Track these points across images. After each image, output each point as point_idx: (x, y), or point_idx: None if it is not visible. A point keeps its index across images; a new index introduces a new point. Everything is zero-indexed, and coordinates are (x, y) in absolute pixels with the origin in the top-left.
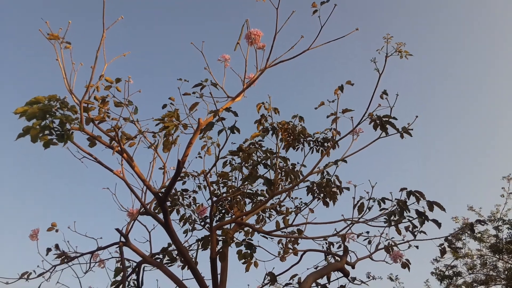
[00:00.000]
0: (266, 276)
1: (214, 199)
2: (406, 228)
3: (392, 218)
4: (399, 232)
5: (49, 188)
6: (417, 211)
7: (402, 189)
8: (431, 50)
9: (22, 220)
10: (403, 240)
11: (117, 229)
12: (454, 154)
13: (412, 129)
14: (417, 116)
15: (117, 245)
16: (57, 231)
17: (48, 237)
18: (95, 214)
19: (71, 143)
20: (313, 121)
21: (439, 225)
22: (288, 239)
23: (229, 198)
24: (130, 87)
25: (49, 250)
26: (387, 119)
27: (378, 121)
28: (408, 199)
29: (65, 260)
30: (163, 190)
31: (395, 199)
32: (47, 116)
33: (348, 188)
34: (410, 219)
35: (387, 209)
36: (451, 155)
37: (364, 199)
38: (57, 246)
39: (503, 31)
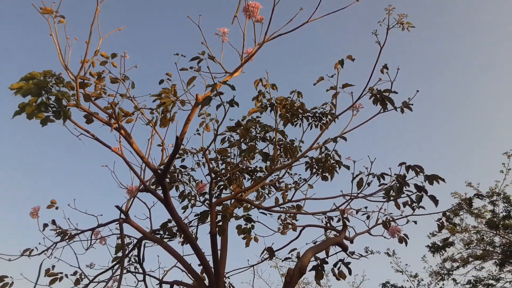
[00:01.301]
0: (265, 251)
1: (213, 175)
2: (405, 203)
3: (391, 193)
4: (398, 207)
5: (48, 164)
6: (416, 186)
7: (401, 164)
8: (435, 24)
9: (21, 198)
10: (402, 215)
11: (117, 206)
12: (456, 130)
13: (412, 104)
14: (417, 91)
15: (118, 222)
16: (57, 208)
17: (49, 215)
18: (95, 192)
19: (68, 120)
20: (312, 96)
21: (436, 202)
22: (287, 214)
23: (228, 175)
24: (126, 62)
25: (45, 225)
26: (387, 94)
27: (378, 96)
28: (407, 173)
29: (66, 237)
30: (162, 167)
31: (394, 174)
32: (43, 92)
33: (347, 167)
34: (409, 193)
35: (386, 184)
36: (452, 131)
37: (363, 174)
38: (54, 222)
39: None
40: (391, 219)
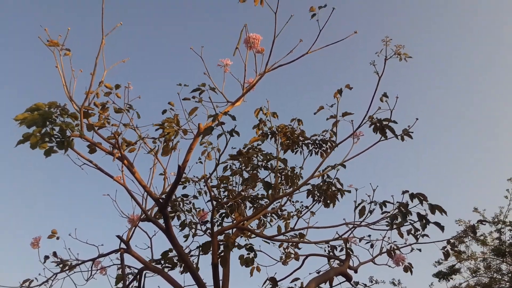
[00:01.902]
0: (268, 282)
1: (215, 203)
2: (408, 231)
3: (394, 221)
4: (401, 236)
5: (49, 194)
6: (418, 214)
7: (404, 192)
8: (431, 51)
9: (22, 228)
10: (406, 243)
11: (118, 236)
12: (458, 156)
13: (412, 132)
14: (417, 119)
15: (118, 252)
16: (58, 238)
17: (50, 245)
18: (96, 221)
19: (71, 150)
20: (312, 123)
21: (442, 228)
22: (290, 243)
23: (230, 203)
24: (129, 93)
25: (47, 258)
26: (387, 122)
27: (378, 124)
28: (412, 202)
29: (66, 268)
30: (163, 196)
31: (397, 202)
32: (47, 123)
33: (349, 191)
34: (412, 222)
35: (389, 212)
36: (455, 158)
37: (365, 202)
38: (55, 254)
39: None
40: (395, 247)
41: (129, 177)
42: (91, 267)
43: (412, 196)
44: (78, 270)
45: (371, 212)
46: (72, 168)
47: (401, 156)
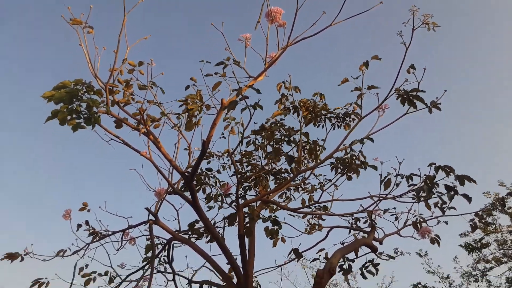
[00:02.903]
0: (291, 252)
1: (239, 177)
2: (435, 204)
3: (420, 194)
4: (429, 208)
5: (79, 169)
6: (446, 186)
7: (430, 164)
8: (460, 24)
9: (55, 201)
10: (432, 216)
11: (147, 208)
12: (485, 130)
13: (440, 103)
14: (445, 90)
15: (147, 223)
16: (88, 210)
17: (81, 217)
18: (124, 195)
19: (99, 126)
20: (335, 100)
21: (469, 199)
22: (314, 215)
23: (253, 177)
24: (152, 70)
25: (79, 226)
26: (415, 93)
27: (405, 96)
28: (437, 174)
29: (97, 238)
30: (189, 170)
31: (424, 175)
32: (74, 100)
33: (375, 167)
34: (440, 194)
35: (416, 185)
36: (482, 131)
37: (391, 175)
38: (87, 222)
39: None
40: (421, 220)
41: (155, 152)
42: (121, 238)
43: (439, 169)
44: (109, 241)
45: (397, 185)
46: (100, 144)
47: (427, 130)
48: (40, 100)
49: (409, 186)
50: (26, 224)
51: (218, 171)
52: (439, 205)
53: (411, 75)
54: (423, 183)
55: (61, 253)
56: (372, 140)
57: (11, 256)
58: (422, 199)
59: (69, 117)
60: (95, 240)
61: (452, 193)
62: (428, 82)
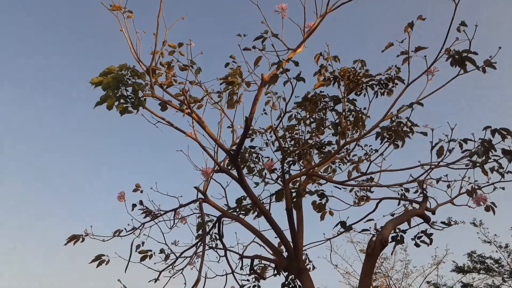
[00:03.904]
0: (339, 225)
1: (283, 152)
2: (492, 169)
3: (476, 159)
4: (485, 173)
5: (128, 153)
6: (503, 150)
7: (486, 128)
8: None
9: (108, 185)
10: (488, 182)
11: (196, 187)
12: None
13: (495, 62)
14: (500, 48)
15: (197, 202)
16: (141, 192)
17: (134, 198)
18: (172, 176)
19: (145, 109)
20: (379, 69)
21: None
22: (361, 188)
23: (298, 151)
24: (191, 50)
25: (134, 206)
26: (466, 54)
27: (457, 57)
28: (493, 137)
29: (151, 217)
30: (233, 147)
31: (479, 139)
32: (120, 85)
33: (425, 133)
34: (496, 158)
35: (470, 150)
36: None
37: (443, 141)
38: (141, 202)
39: None
40: (476, 187)
41: (199, 132)
42: (173, 217)
43: (495, 132)
44: (162, 220)
45: (450, 151)
46: (144, 127)
47: (480, 92)
48: (84, 86)
49: (463, 152)
50: (81, 207)
51: (261, 149)
52: (495, 169)
53: (462, 35)
54: (478, 148)
55: (118, 233)
56: (422, 104)
57: (74, 238)
58: (477, 164)
59: (116, 102)
60: (149, 219)
61: (510, 156)
62: (481, 40)
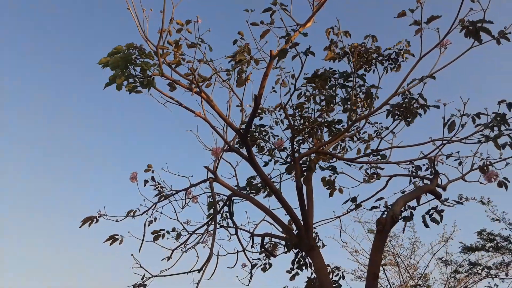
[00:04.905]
0: (349, 202)
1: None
2: (504, 145)
3: (489, 133)
4: (498, 148)
5: (139, 133)
6: None
7: (500, 102)
8: None
9: (122, 165)
10: (500, 157)
11: (206, 167)
12: None
13: (510, 33)
14: None
15: (207, 181)
16: (153, 172)
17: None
18: (182, 155)
19: (154, 89)
20: (390, 43)
21: None
22: (372, 165)
23: (307, 129)
24: (199, 27)
25: (146, 182)
26: (481, 24)
27: (471, 27)
28: (510, 110)
29: (163, 197)
30: (243, 126)
31: (493, 113)
32: (128, 64)
33: (437, 106)
34: (509, 133)
35: (484, 125)
36: None
37: (455, 116)
38: (153, 178)
39: None
40: (488, 163)
41: (208, 111)
42: (185, 196)
43: (510, 105)
44: (173, 200)
45: (462, 126)
46: (156, 107)
47: (495, 66)
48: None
49: (476, 126)
50: (95, 188)
51: (271, 127)
52: (509, 143)
53: (476, 5)
54: (492, 121)
55: (131, 213)
56: (434, 77)
57: (88, 219)
58: (490, 139)
59: (125, 82)
60: (161, 199)
61: None
62: (496, 11)
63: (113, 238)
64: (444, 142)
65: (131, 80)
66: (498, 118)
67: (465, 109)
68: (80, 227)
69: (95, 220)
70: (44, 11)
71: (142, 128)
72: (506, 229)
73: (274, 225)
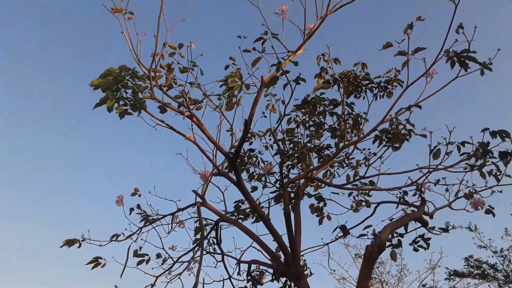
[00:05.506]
0: (338, 229)
1: (282, 156)
2: (489, 172)
3: (474, 162)
4: (483, 177)
5: (128, 156)
6: (500, 152)
7: (484, 130)
8: None
9: (108, 189)
10: (486, 185)
11: (194, 191)
12: None
13: (492, 64)
14: (499, 49)
15: (195, 206)
16: (139, 195)
17: (133, 203)
18: (172, 178)
19: (144, 112)
20: (380, 70)
21: None
22: (360, 192)
23: (296, 155)
24: (192, 52)
25: (132, 209)
26: (466, 53)
27: (455, 58)
28: (494, 139)
29: (149, 222)
30: (232, 150)
31: (477, 142)
32: (120, 86)
33: (424, 135)
34: (495, 161)
35: (468, 153)
36: None
37: (441, 144)
38: (138, 206)
39: None
40: (474, 191)
41: (198, 134)
42: (171, 221)
43: (494, 134)
44: (160, 224)
45: (448, 154)
46: (146, 129)
47: (479, 95)
48: (85, 88)
49: (461, 155)
50: (81, 211)
51: (260, 152)
52: (493, 173)
53: (461, 37)
54: (476, 150)
55: (115, 238)
56: (420, 107)
57: (70, 242)
58: (475, 167)
59: (116, 104)
60: (146, 224)
61: (508, 157)
62: (480, 43)
63: (96, 262)
64: (431, 169)
65: (121, 102)
66: (481, 148)
67: (450, 137)
68: (61, 246)
69: (78, 244)
70: (29, 32)
71: (132, 149)
72: (492, 256)
73: (261, 252)
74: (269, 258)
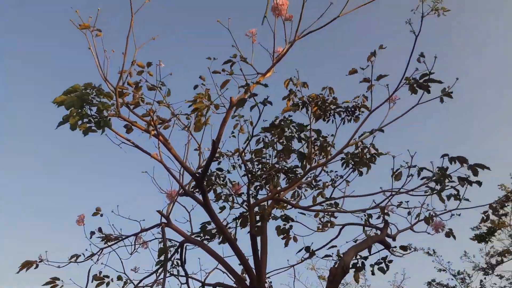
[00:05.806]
0: (303, 250)
1: (249, 176)
2: (449, 196)
3: (433, 186)
4: (442, 200)
5: (91, 173)
6: (459, 177)
7: (443, 156)
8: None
9: (67, 207)
10: (445, 209)
11: (159, 211)
12: (501, 120)
13: (452, 92)
14: (457, 79)
15: (160, 226)
16: (101, 215)
17: (94, 222)
18: (137, 197)
19: (109, 130)
20: (346, 93)
21: (479, 184)
22: (326, 213)
23: (264, 175)
24: (161, 70)
25: (92, 233)
26: (427, 77)
27: (415, 84)
28: (452, 164)
29: (111, 243)
30: (200, 170)
31: (437, 167)
32: (84, 104)
33: (387, 153)
34: (454, 185)
35: (429, 178)
36: (497, 121)
37: (403, 167)
38: (100, 230)
39: None
40: (434, 214)
41: (165, 153)
42: (134, 242)
43: (452, 160)
44: (122, 245)
45: (409, 177)
46: (111, 148)
47: (440, 122)
48: (46, 105)
49: (421, 179)
50: (40, 230)
51: (228, 171)
52: (453, 197)
53: (422, 65)
54: (436, 175)
55: (75, 259)
56: (382, 131)
57: (27, 264)
58: (435, 191)
59: (80, 122)
60: (108, 245)
61: (464, 181)
62: (441, 71)
63: (53, 283)
64: (393, 193)
65: (85, 120)
66: (441, 172)
67: (412, 161)
68: (18, 272)
69: (34, 265)
70: None
71: (95, 168)
72: (452, 279)
73: (226, 274)
74: (234, 280)
